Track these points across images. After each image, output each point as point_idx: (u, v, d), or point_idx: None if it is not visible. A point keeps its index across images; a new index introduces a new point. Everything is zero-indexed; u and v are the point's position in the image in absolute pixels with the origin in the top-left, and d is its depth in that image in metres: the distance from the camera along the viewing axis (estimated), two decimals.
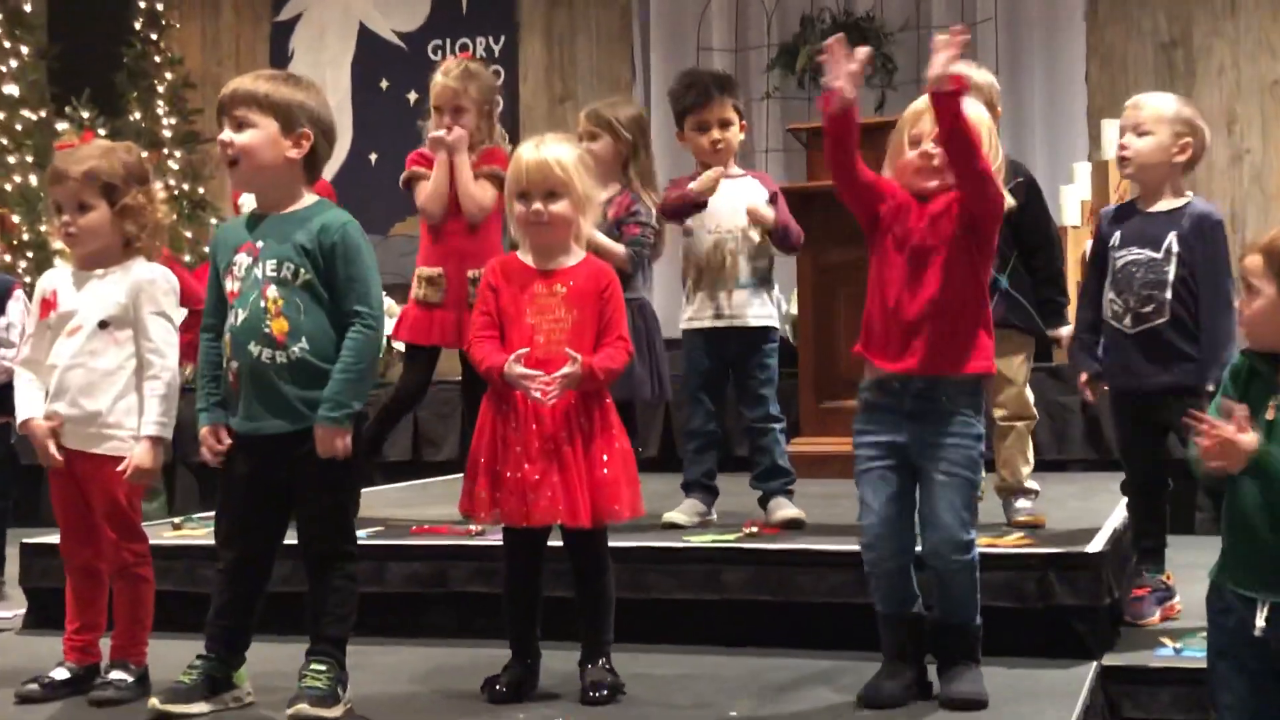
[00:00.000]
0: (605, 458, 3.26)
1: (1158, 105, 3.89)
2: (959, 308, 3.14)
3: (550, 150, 3.30)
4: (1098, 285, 3.94)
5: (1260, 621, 2.61)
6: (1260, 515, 2.58)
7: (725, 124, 4.44)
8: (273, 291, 3.16)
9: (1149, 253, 3.81)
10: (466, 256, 4.63)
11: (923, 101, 3.16)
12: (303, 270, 3.17)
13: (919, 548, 3.21)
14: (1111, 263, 3.89)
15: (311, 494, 3.20)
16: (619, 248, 4.54)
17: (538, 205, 3.27)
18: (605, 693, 3.23)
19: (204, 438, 3.25)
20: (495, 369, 3.21)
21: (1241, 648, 2.64)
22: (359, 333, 3.17)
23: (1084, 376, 4.01)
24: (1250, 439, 2.54)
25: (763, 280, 4.45)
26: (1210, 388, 3.69)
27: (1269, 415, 2.61)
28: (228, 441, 3.24)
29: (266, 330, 3.15)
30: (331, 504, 3.23)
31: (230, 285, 3.22)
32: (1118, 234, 3.90)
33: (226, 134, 3.21)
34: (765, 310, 4.44)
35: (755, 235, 4.42)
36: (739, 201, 4.40)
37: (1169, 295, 3.78)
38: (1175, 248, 3.79)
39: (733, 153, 4.50)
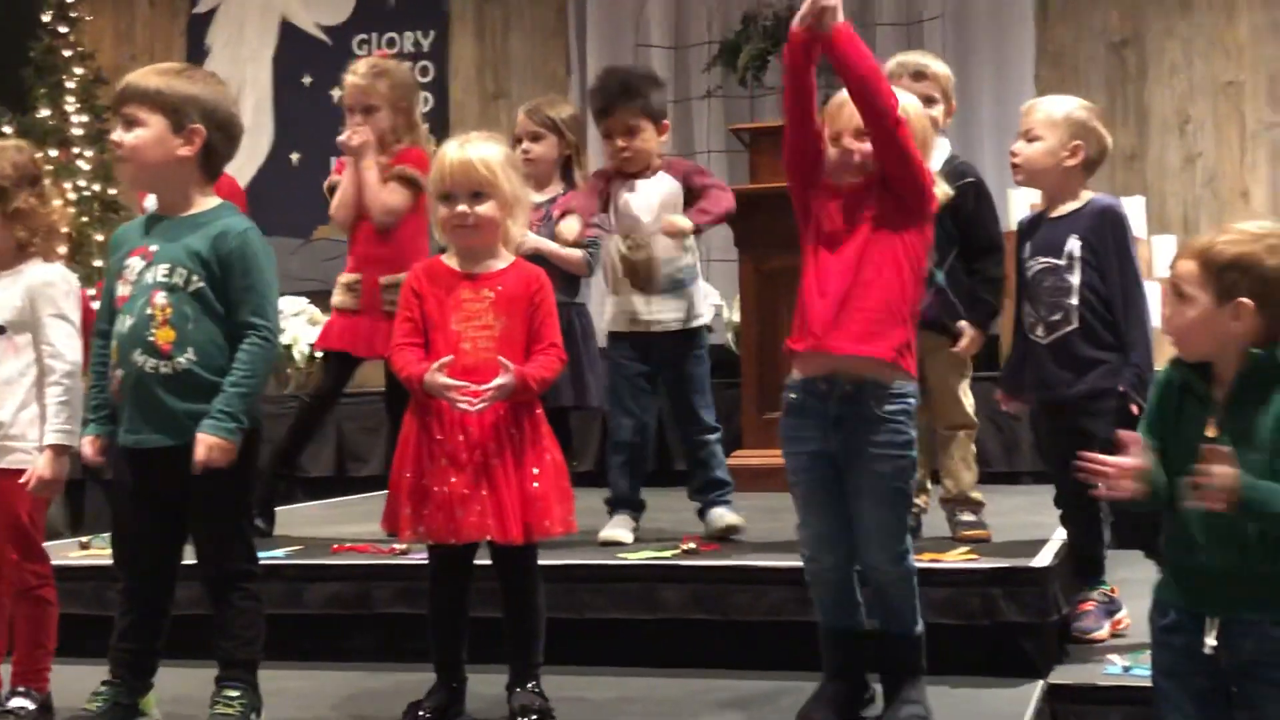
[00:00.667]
0: (536, 470, 3.25)
1: (1047, 109, 3.94)
2: (877, 294, 3.10)
3: (475, 149, 3.28)
4: (1018, 299, 4.01)
5: (1211, 640, 2.63)
6: (1205, 533, 2.61)
7: (630, 131, 4.40)
8: (161, 298, 3.12)
9: (1053, 260, 3.87)
10: (379, 263, 4.67)
11: (832, 101, 3.18)
12: (195, 277, 3.13)
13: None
14: (1024, 274, 3.96)
15: (204, 513, 3.17)
16: (574, 253, 4.54)
17: (462, 207, 3.25)
18: (534, 717, 3.22)
19: (82, 447, 3.23)
20: (416, 378, 3.19)
21: (1189, 666, 2.66)
22: (254, 345, 3.13)
23: (998, 393, 4.13)
24: (1134, 463, 2.60)
25: (681, 284, 4.41)
26: (1121, 389, 3.75)
27: (1209, 432, 2.63)
28: (101, 457, 3.21)
29: (151, 338, 3.11)
30: (226, 522, 3.19)
31: (121, 290, 3.18)
32: (1028, 245, 3.98)
33: (117, 133, 3.18)
34: (685, 315, 4.42)
35: (669, 241, 4.36)
36: (653, 205, 4.38)
37: (1075, 301, 3.83)
38: (1077, 252, 3.84)
39: (647, 159, 4.44)
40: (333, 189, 4.82)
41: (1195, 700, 2.67)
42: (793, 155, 3.21)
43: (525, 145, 4.61)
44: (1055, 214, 3.94)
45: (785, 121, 3.19)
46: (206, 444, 3.06)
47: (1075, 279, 3.84)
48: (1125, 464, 2.61)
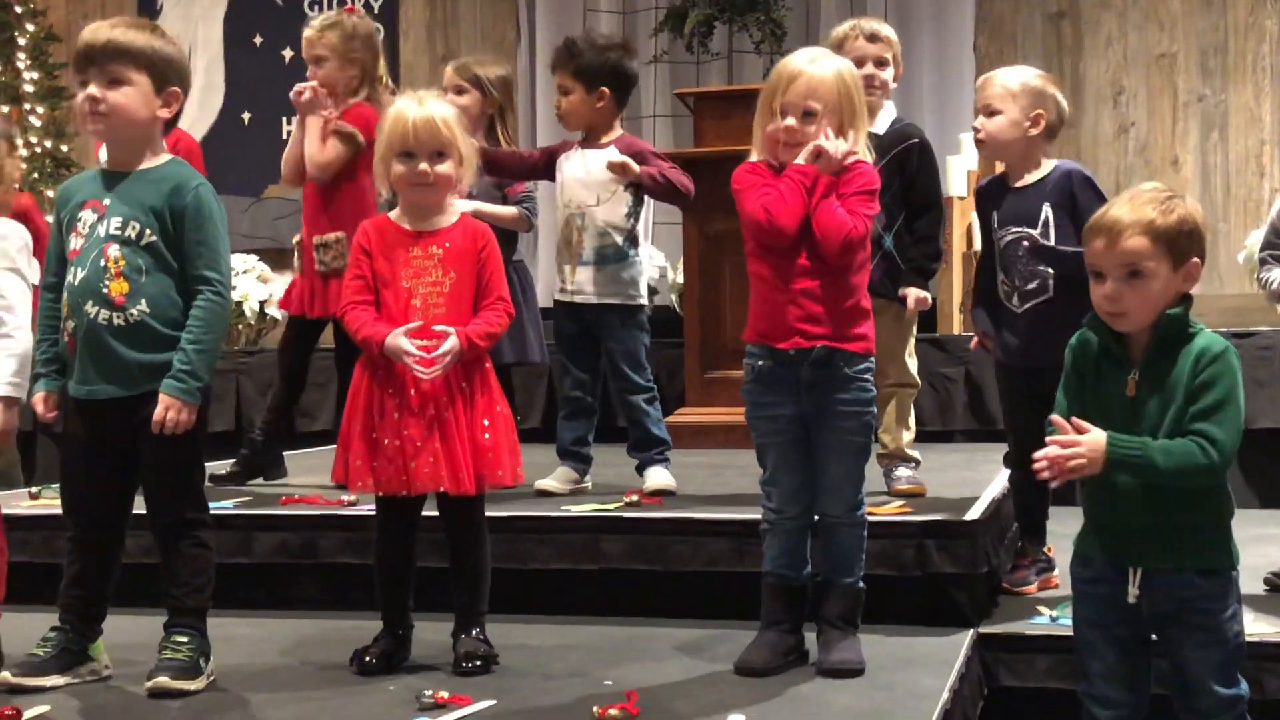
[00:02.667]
0: (486, 422, 3.24)
1: (1004, 81, 3.90)
2: (852, 293, 3.19)
3: (434, 108, 3.25)
4: (988, 259, 4.01)
5: (1134, 590, 2.67)
6: (1132, 490, 2.64)
7: (564, 91, 4.40)
8: (114, 250, 3.08)
9: (1026, 229, 3.84)
10: (313, 222, 4.65)
11: (786, 65, 3.19)
12: (149, 230, 3.10)
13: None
14: (995, 244, 3.94)
15: (156, 461, 3.14)
16: (509, 210, 4.55)
17: (424, 165, 3.23)
18: (479, 663, 3.23)
19: (34, 404, 3.19)
20: (375, 341, 3.17)
21: (1112, 616, 2.70)
22: (209, 301, 3.11)
23: (975, 341, 4.12)
24: (1092, 441, 2.60)
25: (609, 259, 4.36)
26: None
27: (1129, 391, 2.66)
28: (53, 412, 3.17)
29: (104, 290, 3.07)
30: (178, 471, 3.17)
31: (73, 243, 3.13)
32: (995, 214, 3.94)
33: (95, 89, 3.09)
34: (612, 288, 4.37)
35: (603, 214, 4.34)
36: (591, 176, 4.34)
37: (1051, 270, 3.79)
38: (1051, 219, 3.81)
39: (578, 121, 4.42)
40: None
41: (1116, 648, 2.72)
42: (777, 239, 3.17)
43: (449, 98, 4.57)
44: (1021, 183, 3.89)
45: (784, 227, 3.14)
46: (167, 404, 3.05)
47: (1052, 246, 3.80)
48: (1076, 440, 2.61)
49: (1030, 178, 3.89)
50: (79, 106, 3.13)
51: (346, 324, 3.27)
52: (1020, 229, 3.85)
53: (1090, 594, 2.76)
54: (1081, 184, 3.84)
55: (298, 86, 4.64)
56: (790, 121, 3.14)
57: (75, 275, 3.10)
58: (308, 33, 4.71)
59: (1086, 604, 2.77)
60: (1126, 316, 2.66)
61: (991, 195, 4.00)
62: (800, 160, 3.13)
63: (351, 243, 3.36)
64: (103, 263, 3.08)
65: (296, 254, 4.71)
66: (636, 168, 4.25)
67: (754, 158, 3.24)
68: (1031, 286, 3.83)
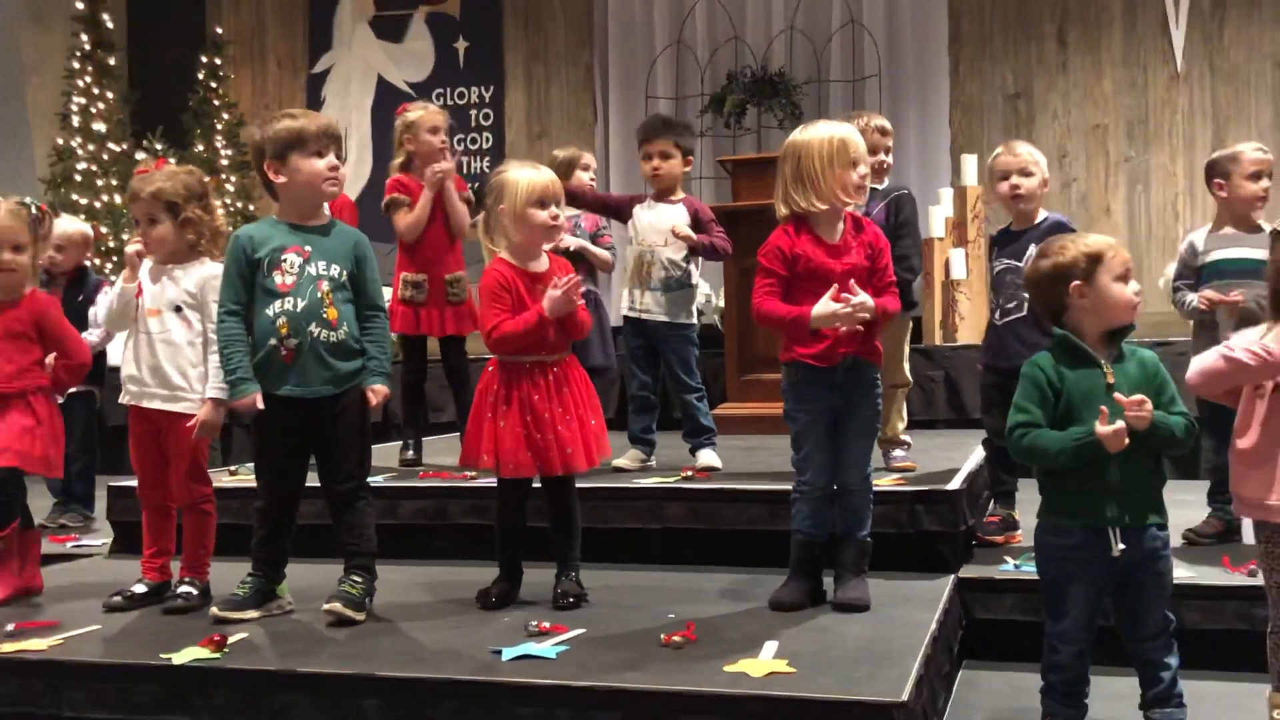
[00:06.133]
0: (593, 415, 3.30)
1: (1032, 150, 3.96)
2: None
3: (548, 172, 3.30)
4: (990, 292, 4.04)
5: (1120, 545, 2.56)
6: (1119, 461, 2.56)
7: (665, 155, 4.40)
8: (325, 286, 3.17)
9: (1015, 262, 3.86)
10: (445, 264, 4.67)
11: (849, 132, 3.17)
12: (344, 272, 3.20)
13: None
14: (991, 272, 3.98)
15: (344, 440, 3.21)
16: (606, 254, 4.67)
17: (558, 211, 3.26)
18: (573, 600, 3.25)
19: (251, 403, 3.15)
20: (534, 314, 3.17)
21: (1096, 573, 2.59)
22: (381, 324, 3.26)
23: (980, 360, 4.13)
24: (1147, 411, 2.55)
25: (672, 287, 4.39)
26: None
27: (1109, 379, 2.61)
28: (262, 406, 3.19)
29: (324, 315, 3.15)
30: (361, 449, 3.25)
31: (280, 279, 3.15)
32: (997, 250, 3.98)
33: (329, 160, 3.17)
34: (673, 310, 4.39)
35: (669, 253, 4.36)
36: (664, 224, 4.37)
37: (1028, 295, 3.78)
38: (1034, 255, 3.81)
39: (671, 181, 4.42)
40: (389, 206, 4.70)
41: (1093, 600, 2.62)
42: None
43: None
44: (1021, 228, 3.93)
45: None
46: (380, 391, 3.19)
47: None
48: (1140, 404, 2.55)
49: (1031, 223, 3.92)
50: (322, 172, 3.17)
51: (504, 330, 3.18)
52: (1010, 261, 3.88)
53: (1077, 558, 2.59)
54: (1064, 231, 3.81)
55: (440, 167, 4.61)
56: (864, 170, 3.15)
57: (295, 304, 3.14)
58: (439, 110, 4.71)
59: (1074, 566, 2.59)
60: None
61: (1000, 240, 4.02)
62: (823, 314, 3.09)
63: (488, 282, 3.24)
64: (319, 295, 3.15)
65: (417, 289, 4.64)
66: (694, 237, 4.30)
67: (820, 205, 3.15)
68: (1011, 305, 3.86)
